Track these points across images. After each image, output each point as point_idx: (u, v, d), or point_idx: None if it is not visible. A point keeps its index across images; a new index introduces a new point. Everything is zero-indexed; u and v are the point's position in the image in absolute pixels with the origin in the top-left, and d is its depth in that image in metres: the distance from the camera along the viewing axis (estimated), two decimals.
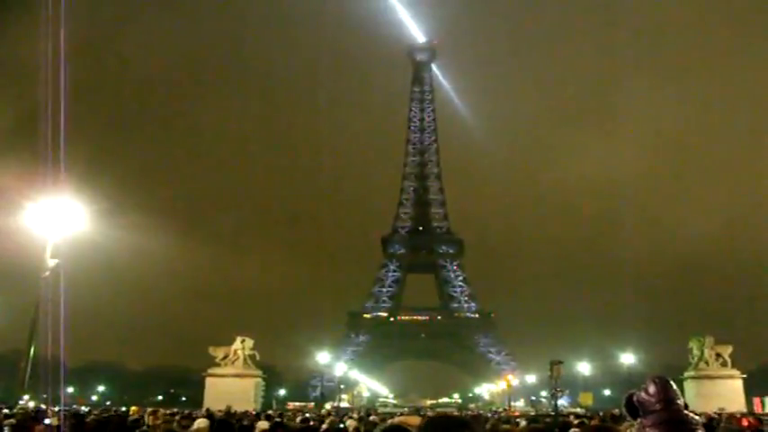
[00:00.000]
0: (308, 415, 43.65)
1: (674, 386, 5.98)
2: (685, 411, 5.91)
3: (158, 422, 19.89)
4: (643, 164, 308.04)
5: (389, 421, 7.15)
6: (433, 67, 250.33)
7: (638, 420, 6.10)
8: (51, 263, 19.70)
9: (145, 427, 20.11)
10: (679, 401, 5.88)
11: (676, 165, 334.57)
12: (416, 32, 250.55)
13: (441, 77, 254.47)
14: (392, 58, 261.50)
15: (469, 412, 57.67)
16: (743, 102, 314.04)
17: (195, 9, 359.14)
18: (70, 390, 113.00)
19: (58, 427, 22.29)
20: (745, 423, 30.83)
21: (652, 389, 5.90)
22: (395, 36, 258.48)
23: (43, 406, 42.84)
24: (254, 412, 46.40)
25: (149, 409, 27.01)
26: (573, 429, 18.79)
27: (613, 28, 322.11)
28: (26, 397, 60.39)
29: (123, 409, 57.37)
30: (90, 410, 45.77)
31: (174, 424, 19.71)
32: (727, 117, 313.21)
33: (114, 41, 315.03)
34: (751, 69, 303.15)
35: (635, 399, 6.08)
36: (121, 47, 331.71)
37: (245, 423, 23.79)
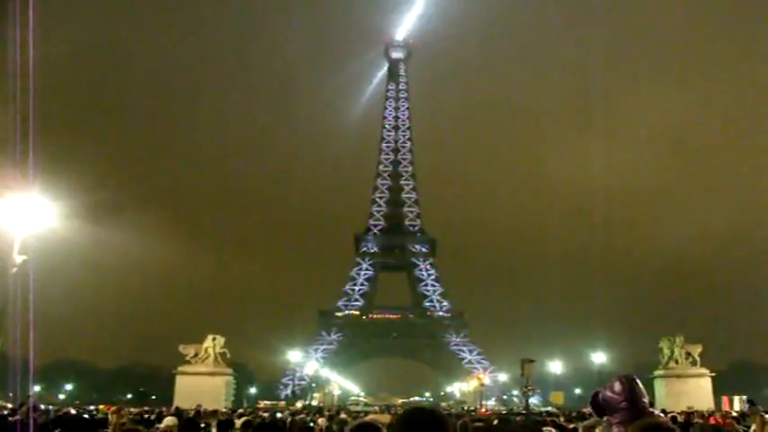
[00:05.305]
0: (278, 414, 43.52)
1: (640, 385, 6.06)
2: (650, 409, 6.00)
3: (122, 420, 19.63)
4: (624, 166, 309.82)
5: (360, 420, 7.17)
6: (408, 65, 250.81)
7: (605, 418, 6.17)
8: (19, 259, 19.40)
9: (109, 430, 19.82)
10: (645, 399, 5.96)
11: (663, 168, 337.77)
12: (398, 30, 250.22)
13: (416, 76, 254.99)
14: (370, 53, 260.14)
15: (443, 411, 57.85)
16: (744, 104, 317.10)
17: (193, 9, 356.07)
18: (37, 388, 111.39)
19: (24, 422, 21.99)
20: (713, 421, 31.31)
21: (618, 387, 5.97)
22: (372, 32, 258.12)
23: (9, 405, 42.17)
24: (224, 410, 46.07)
25: (112, 408, 26.65)
26: (546, 428, 18.85)
27: (611, 28, 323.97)
28: None
29: (92, 408, 56.53)
30: (53, 408, 45.11)
31: (141, 426, 19.50)
32: (728, 119, 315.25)
33: (111, 39, 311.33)
34: (754, 71, 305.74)
35: (600, 397, 6.15)
36: (119, 45, 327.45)
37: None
